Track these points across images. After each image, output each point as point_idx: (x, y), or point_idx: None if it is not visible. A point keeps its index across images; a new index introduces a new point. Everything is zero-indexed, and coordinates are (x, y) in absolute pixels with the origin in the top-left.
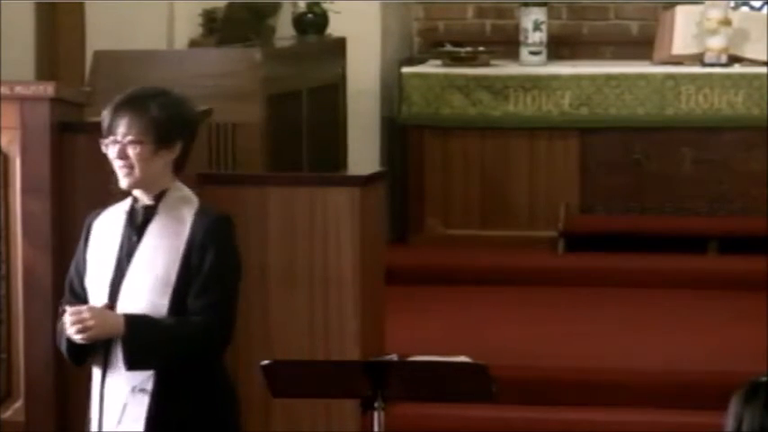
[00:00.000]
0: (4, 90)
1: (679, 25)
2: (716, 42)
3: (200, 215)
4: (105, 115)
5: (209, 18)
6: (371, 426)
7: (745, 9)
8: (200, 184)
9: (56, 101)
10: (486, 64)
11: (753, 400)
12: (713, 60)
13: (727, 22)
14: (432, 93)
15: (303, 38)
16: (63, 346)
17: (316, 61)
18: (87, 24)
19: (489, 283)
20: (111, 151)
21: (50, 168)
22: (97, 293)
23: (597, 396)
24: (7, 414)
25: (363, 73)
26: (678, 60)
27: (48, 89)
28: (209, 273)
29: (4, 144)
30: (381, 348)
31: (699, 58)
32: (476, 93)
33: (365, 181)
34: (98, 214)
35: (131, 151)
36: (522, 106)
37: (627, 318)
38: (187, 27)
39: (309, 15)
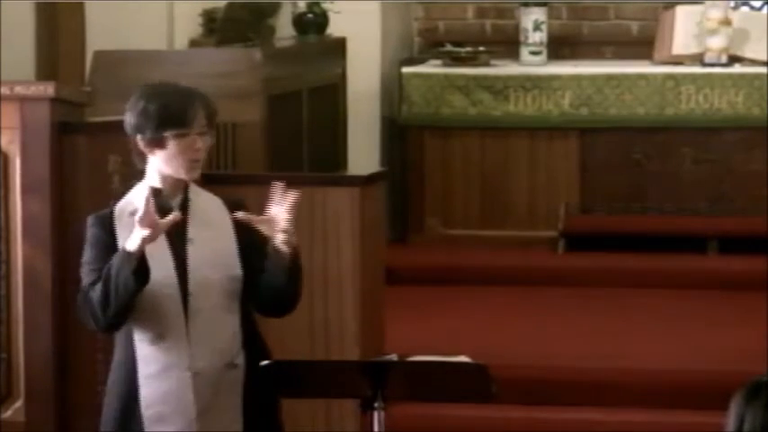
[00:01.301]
0: (4, 90)
1: (679, 25)
2: (716, 42)
3: (229, 201)
4: (170, 108)
5: (210, 18)
6: (371, 426)
7: (745, 9)
8: (201, 184)
9: (56, 101)
10: (487, 64)
11: (754, 400)
12: (713, 60)
13: (727, 22)
14: (432, 93)
15: (303, 38)
16: (122, 277)
17: (316, 61)
18: (87, 24)
19: (489, 283)
20: (184, 143)
21: (50, 168)
22: (164, 283)
23: (597, 396)
24: (7, 414)
25: (363, 73)
26: (678, 60)
27: (48, 89)
28: (262, 241)
29: (4, 144)
30: (381, 348)
31: (699, 58)
32: (476, 93)
33: (365, 181)
34: (109, 214)
35: (204, 142)
36: (522, 106)
37: (627, 318)
38: (187, 27)
39: (309, 15)
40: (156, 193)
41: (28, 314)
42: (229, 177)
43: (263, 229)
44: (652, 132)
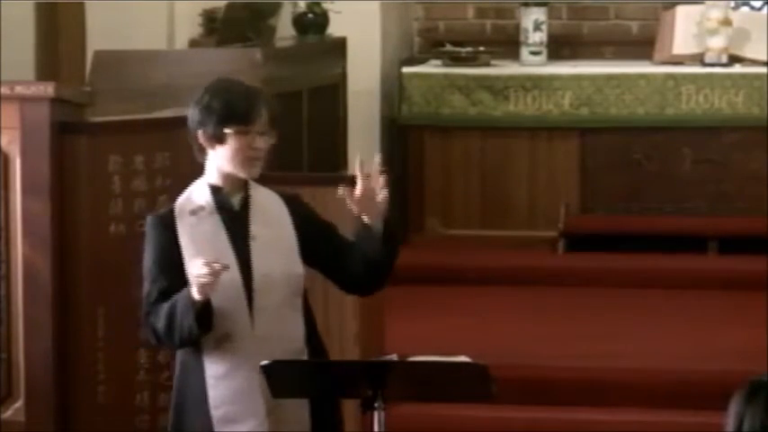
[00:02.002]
0: (5, 90)
1: (679, 25)
2: (716, 42)
3: (285, 196)
4: (232, 104)
5: (210, 18)
6: (371, 426)
7: (745, 9)
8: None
9: (56, 101)
10: (487, 64)
11: (754, 400)
12: (713, 60)
13: (727, 22)
14: (432, 93)
15: (303, 38)
16: (187, 318)
17: (316, 61)
18: (88, 24)
19: (489, 283)
20: (244, 141)
21: (50, 168)
22: (227, 282)
23: (597, 396)
24: (7, 414)
25: (364, 73)
26: (678, 60)
27: (48, 89)
28: (326, 227)
29: (4, 144)
30: (381, 348)
31: (699, 59)
32: (476, 93)
33: None
34: (170, 213)
35: (264, 141)
36: (522, 106)
37: (627, 318)
38: (187, 27)
39: (310, 15)
40: (216, 190)
41: (28, 314)
42: None
43: (357, 206)
44: (652, 132)
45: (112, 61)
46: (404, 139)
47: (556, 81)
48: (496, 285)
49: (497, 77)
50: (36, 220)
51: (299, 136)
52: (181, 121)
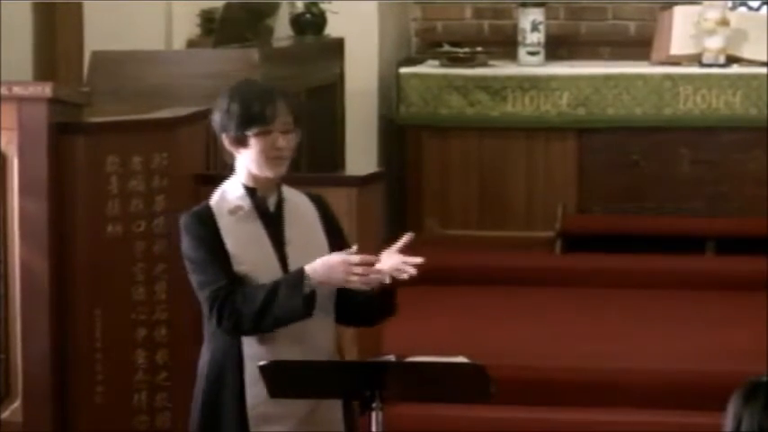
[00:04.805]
0: (3, 90)
1: (677, 26)
2: (714, 43)
3: (312, 197)
4: (252, 106)
5: (207, 18)
6: (369, 426)
7: (742, 9)
8: (198, 184)
9: (54, 101)
10: (484, 64)
11: (752, 401)
12: (711, 61)
13: (724, 23)
14: (430, 93)
15: (301, 38)
16: (294, 304)
17: (314, 61)
18: (85, 25)
19: (487, 283)
20: (266, 141)
21: (48, 169)
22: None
23: (596, 396)
24: (5, 414)
25: (361, 73)
26: (676, 61)
27: (45, 89)
28: (345, 238)
29: (1, 144)
30: (379, 348)
31: (697, 59)
32: (474, 93)
33: (363, 181)
34: (207, 211)
35: (287, 140)
36: (519, 106)
37: (625, 318)
38: (185, 27)
39: (307, 16)
40: (251, 191)
41: (26, 314)
42: (226, 178)
43: (380, 265)
44: (650, 132)
45: (110, 62)
46: (401, 139)
47: (553, 81)
48: (494, 286)
49: (495, 78)
50: (33, 221)
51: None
52: (178, 122)
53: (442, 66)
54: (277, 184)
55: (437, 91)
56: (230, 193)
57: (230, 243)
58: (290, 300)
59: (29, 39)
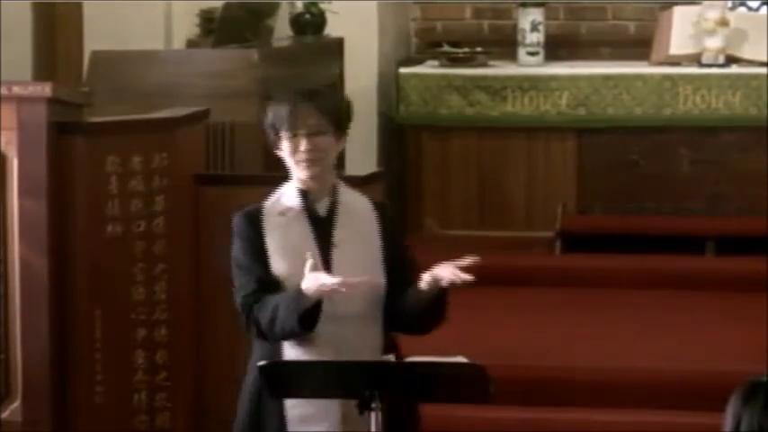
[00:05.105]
0: (2, 90)
1: (676, 26)
2: (713, 43)
3: (375, 203)
4: (281, 111)
5: (207, 18)
6: (369, 426)
7: (742, 9)
8: (198, 184)
9: (53, 101)
10: (484, 64)
11: (751, 401)
12: (711, 61)
13: (724, 23)
14: (429, 93)
15: (301, 38)
16: (290, 321)
17: (313, 61)
18: (85, 24)
19: (486, 283)
20: (293, 144)
21: (47, 169)
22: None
23: (596, 396)
24: (5, 414)
25: (361, 73)
26: (676, 61)
27: (45, 89)
28: (404, 250)
29: (1, 145)
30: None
31: (696, 59)
32: (473, 93)
33: (363, 181)
34: (257, 211)
35: (313, 143)
36: (519, 107)
37: (625, 318)
38: (184, 27)
39: (307, 15)
40: (303, 193)
41: (25, 314)
42: (226, 178)
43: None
44: (649, 133)
45: (110, 61)
46: (401, 139)
47: (553, 81)
48: (494, 286)
49: (495, 78)
50: (33, 221)
51: None
52: (178, 122)
53: (442, 66)
54: (333, 186)
55: (437, 91)
56: (285, 195)
57: (273, 244)
58: (289, 318)
59: (29, 39)
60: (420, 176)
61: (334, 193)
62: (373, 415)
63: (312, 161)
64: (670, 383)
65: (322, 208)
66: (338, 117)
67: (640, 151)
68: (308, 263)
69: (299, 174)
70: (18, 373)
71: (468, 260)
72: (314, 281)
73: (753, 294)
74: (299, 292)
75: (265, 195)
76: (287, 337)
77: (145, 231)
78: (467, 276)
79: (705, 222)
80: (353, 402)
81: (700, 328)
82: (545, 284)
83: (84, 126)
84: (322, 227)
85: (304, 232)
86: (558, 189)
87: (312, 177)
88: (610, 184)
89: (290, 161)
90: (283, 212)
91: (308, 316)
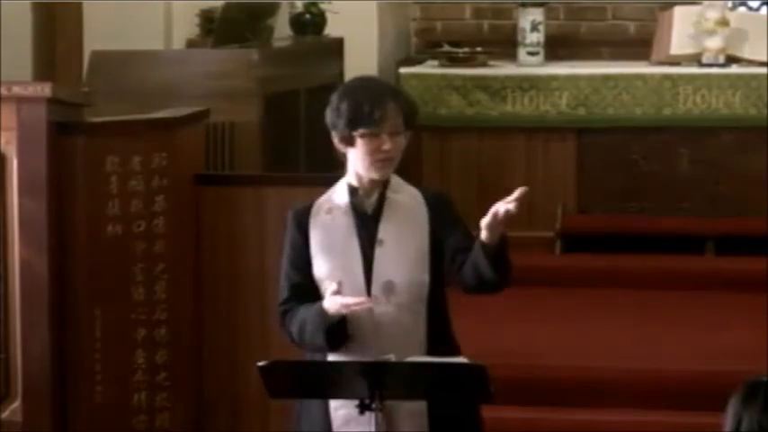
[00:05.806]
0: (2, 90)
1: (677, 26)
2: (713, 43)
3: (428, 195)
4: (361, 107)
5: (207, 18)
6: (369, 426)
7: (742, 9)
8: (198, 184)
9: (53, 101)
10: (484, 64)
11: (752, 401)
12: (711, 61)
13: (724, 23)
14: (429, 93)
15: (301, 38)
16: (317, 337)
17: (313, 61)
18: (85, 24)
19: None
20: (373, 143)
21: (47, 169)
22: (350, 285)
23: (596, 396)
24: (5, 414)
25: (361, 73)
26: (676, 61)
27: (45, 89)
28: (462, 229)
29: (1, 145)
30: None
31: (696, 59)
32: (473, 93)
33: None
34: (306, 209)
35: (395, 143)
36: (519, 107)
37: (624, 318)
38: (184, 27)
39: (307, 15)
40: (353, 190)
41: (25, 314)
42: (226, 178)
43: (487, 222)
44: (649, 133)
45: (110, 61)
46: None
47: (553, 81)
48: None
49: (494, 78)
50: (33, 221)
51: (296, 136)
52: (178, 122)
53: (442, 66)
54: (383, 183)
55: (437, 91)
56: (336, 192)
57: (317, 243)
58: (315, 334)
59: (28, 38)
60: (420, 176)
61: (383, 189)
62: (373, 415)
63: (390, 161)
64: (670, 383)
65: (369, 205)
66: (412, 117)
67: (640, 151)
68: (330, 289)
69: (371, 174)
70: (18, 373)
71: (518, 192)
72: (333, 304)
73: (753, 294)
74: (323, 309)
75: (264, 195)
76: (318, 350)
77: (145, 231)
78: (518, 202)
79: (705, 222)
80: (396, 403)
81: (699, 327)
82: (545, 284)
83: (83, 126)
84: (368, 224)
85: (348, 231)
86: (558, 189)
87: (384, 177)
88: (610, 183)
89: (362, 159)
90: (329, 210)
91: (335, 330)
